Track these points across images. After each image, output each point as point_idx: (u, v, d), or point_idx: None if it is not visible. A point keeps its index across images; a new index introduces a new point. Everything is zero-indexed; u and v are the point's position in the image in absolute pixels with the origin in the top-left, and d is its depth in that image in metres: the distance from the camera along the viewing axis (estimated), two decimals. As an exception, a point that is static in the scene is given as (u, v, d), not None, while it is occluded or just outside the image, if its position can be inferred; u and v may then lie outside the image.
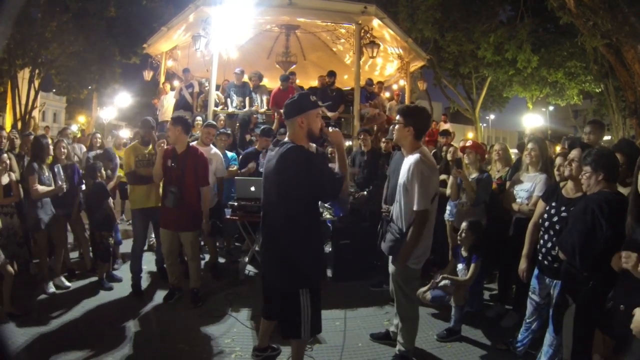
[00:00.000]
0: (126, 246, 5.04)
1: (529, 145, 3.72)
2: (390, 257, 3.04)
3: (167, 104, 8.27)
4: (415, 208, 2.76)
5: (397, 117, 2.94)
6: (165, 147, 3.98)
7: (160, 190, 4.21)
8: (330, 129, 2.64)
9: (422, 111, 2.96)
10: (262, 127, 5.64)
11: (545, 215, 2.86)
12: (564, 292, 2.58)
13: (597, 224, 2.25)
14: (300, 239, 2.45)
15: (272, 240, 2.58)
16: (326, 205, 5.34)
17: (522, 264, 3.10)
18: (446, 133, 6.69)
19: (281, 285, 2.56)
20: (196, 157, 3.97)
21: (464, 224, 3.69)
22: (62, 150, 4.52)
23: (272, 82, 8.68)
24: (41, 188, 4.08)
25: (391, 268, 3.04)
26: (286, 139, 2.54)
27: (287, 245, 2.45)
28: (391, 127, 3.09)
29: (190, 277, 4.09)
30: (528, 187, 3.59)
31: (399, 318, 3.09)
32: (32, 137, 5.13)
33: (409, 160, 2.83)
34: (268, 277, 2.72)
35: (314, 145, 2.78)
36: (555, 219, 2.77)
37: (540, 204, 3.05)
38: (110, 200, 4.66)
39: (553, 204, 2.85)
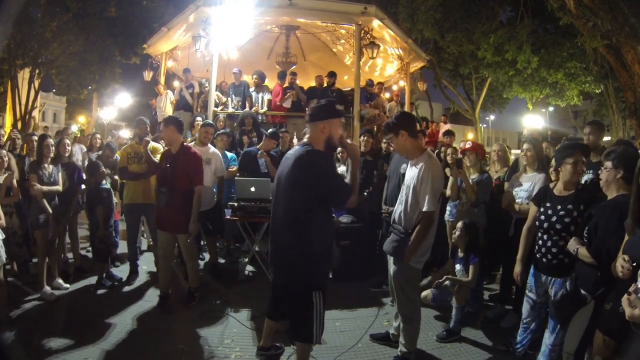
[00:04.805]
0: (124, 247, 5.04)
1: (525, 146, 3.76)
2: (392, 258, 3.04)
3: (165, 105, 8.27)
4: (424, 209, 2.78)
5: (386, 136, 3.00)
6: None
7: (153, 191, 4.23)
8: (349, 141, 2.70)
9: (402, 114, 3.13)
10: (270, 130, 5.64)
11: (542, 217, 2.85)
12: (577, 288, 2.49)
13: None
14: (307, 241, 2.40)
15: (281, 242, 2.54)
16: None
17: (517, 268, 3.07)
18: (450, 133, 6.68)
19: (294, 289, 2.53)
20: (187, 156, 3.87)
21: (459, 224, 3.71)
22: (67, 147, 4.54)
23: (272, 83, 8.67)
24: (39, 187, 4.07)
25: (392, 268, 3.04)
26: (305, 139, 2.58)
27: (296, 247, 2.43)
28: (384, 149, 3.15)
29: (188, 277, 4.11)
30: (527, 187, 3.59)
31: (400, 319, 3.08)
32: (34, 137, 5.12)
33: (420, 163, 2.87)
34: (280, 279, 2.67)
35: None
36: (554, 218, 2.77)
37: (533, 208, 3.04)
38: (114, 202, 4.66)
39: (547, 205, 2.85)
